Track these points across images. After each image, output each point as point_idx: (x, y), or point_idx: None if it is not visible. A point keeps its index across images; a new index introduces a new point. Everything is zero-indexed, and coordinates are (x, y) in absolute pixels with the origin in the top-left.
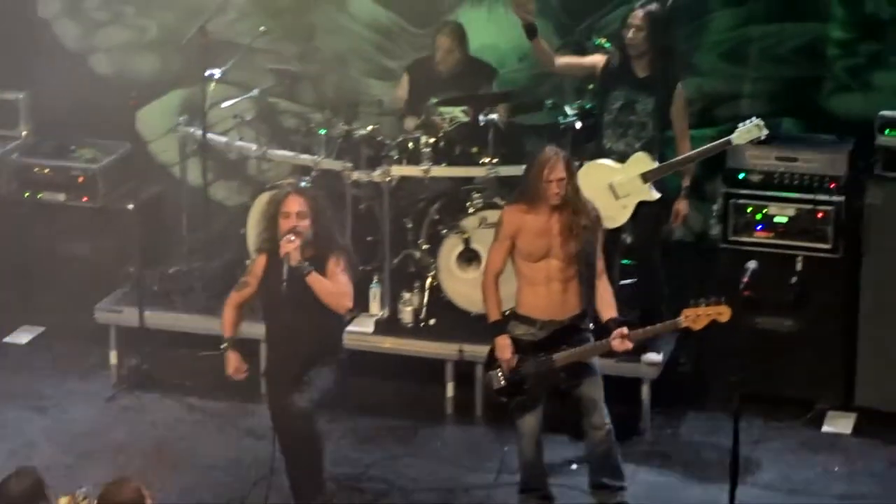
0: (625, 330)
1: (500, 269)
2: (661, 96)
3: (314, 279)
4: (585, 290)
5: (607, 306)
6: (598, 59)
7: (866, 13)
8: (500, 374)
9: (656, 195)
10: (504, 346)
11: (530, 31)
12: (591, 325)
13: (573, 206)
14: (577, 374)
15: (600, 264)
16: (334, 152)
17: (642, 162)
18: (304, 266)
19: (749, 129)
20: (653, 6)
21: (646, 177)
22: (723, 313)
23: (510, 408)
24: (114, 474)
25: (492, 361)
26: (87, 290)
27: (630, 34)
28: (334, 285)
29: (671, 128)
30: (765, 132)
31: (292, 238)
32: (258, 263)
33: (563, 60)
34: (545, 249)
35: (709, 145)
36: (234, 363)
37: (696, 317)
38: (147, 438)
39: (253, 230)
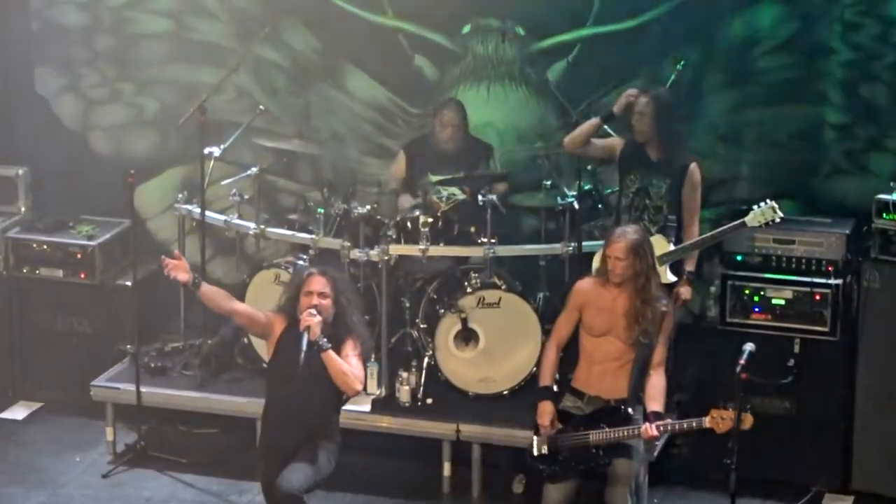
0: (659, 423)
1: (563, 337)
2: (674, 179)
3: (330, 357)
4: (636, 377)
5: (655, 399)
6: (616, 143)
7: (863, 97)
8: (542, 440)
9: (672, 278)
10: (544, 413)
11: (608, 116)
12: (630, 412)
13: (642, 293)
14: (610, 453)
15: (659, 356)
16: (332, 231)
17: (658, 245)
18: (323, 342)
19: (764, 212)
20: (654, 90)
21: (661, 259)
22: (745, 420)
23: (544, 475)
24: None
25: (538, 427)
26: (85, 366)
27: (634, 120)
28: (348, 367)
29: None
30: (780, 215)
31: (314, 313)
32: (277, 320)
33: (594, 143)
34: (607, 327)
35: (723, 228)
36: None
37: (720, 419)
38: None
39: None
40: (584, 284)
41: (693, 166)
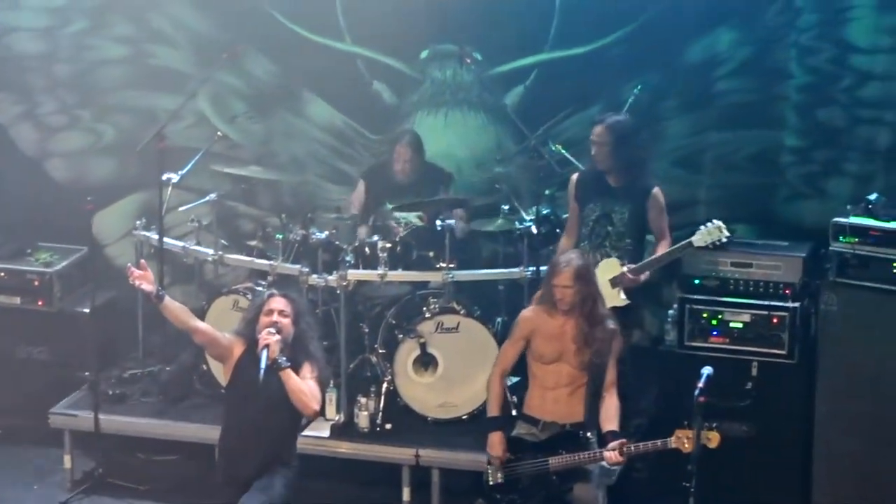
0: (622, 443)
1: (507, 367)
2: (636, 204)
3: (288, 375)
4: (591, 400)
5: (610, 419)
6: None
7: (820, 121)
8: (497, 469)
9: (624, 300)
10: (494, 444)
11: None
12: (588, 435)
13: (589, 316)
14: (570, 479)
15: (610, 377)
16: (291, 257)
17: (611, 267)
18: (283, 360)
19: (710, 231)
20: (612, 119)
21: (613, 282)
22: (712, 439)
23: None
24: None
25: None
26: (43, 393)
27: (594, 150)
28: (306, 386)
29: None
30: (726, 234)
31: (273, 331)
32: (236, 344)
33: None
34: (557, 353)
35: (670, 248)
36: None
37: (686, 439)
38: None
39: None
40: (530, 313)
41: (656, 190)
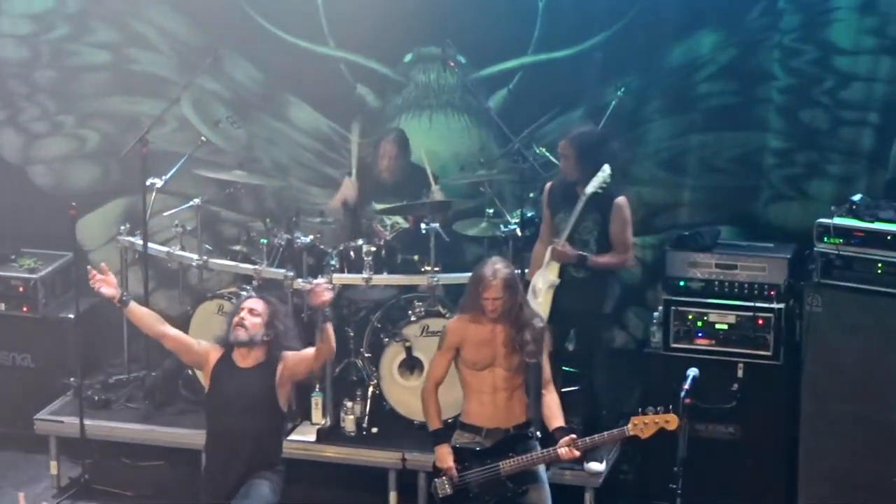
0: (572, 439)
1: (440, 378)
2: (602, 213)
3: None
4: (532, 400)
5: (554, 415)
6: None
7: (803, 123)
8: (445, 481)
9: (556, 281)
10: (444, 456)
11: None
12: (537, 434)
13: (517, 320)
14: (523, 482)
15: (546, 373)
16: (275, 261)
17: (552, 270)
18: (328, 312)
19: (598, 178)
20: (576, 131)
21: (552, 253)
22: (670, 421)
23: None
24: None
25: (438, 469)
26: (27, 399)
27: (561, 163)
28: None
29: None
30: (608, 173)
31: (238, 328)
32: (212, 351)
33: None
34: (489, 359)
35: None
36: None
37: (643, 425)
38: None
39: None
40: (457, 323)
41: (620, 200)
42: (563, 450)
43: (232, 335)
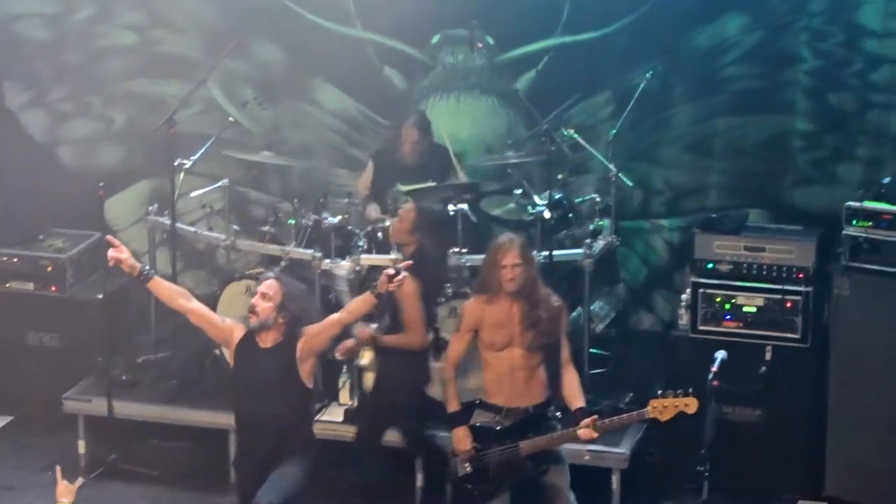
0: (593, 419)
1: (458, 359)
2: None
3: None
4: (551, 379)
5: (574, 395)
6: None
7: (831, 105)
8: (465, 461)
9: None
10: (462, 438)
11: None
12: (558, 414)
13: (532, 297)
14: (543, 461)
15: (565, 353)
16: (303, 242)
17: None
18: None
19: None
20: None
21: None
22: (690, 405)
23: (475, 495)
24: None
25: (454, 451)
26: (56, 379)
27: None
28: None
29: None
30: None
31: (249, 314)
32: (236, 329)
33: None
34: (507, 339)
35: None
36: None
37: (662, 408)
38: None
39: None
40: (473, 304)
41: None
42: (582, 430)
43: (247, 321)
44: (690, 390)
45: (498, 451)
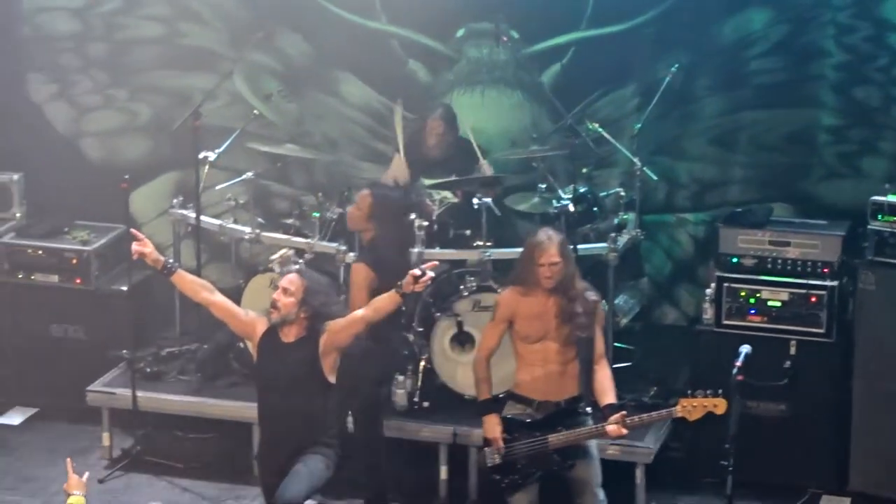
0: (622, 415)
1: (492, 349)
2: None
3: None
4: (584, 374)
5: (605, 391)
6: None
7: (857, 100)
8: (494, 451)
9: None
10: (491, 426)
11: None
12: (588, 409)
13: (569, 292)
14: (571, 456)
15: (599, 348)
16: (328, 235)
17: None
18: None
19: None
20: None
21: None
22: (718, 405)
23: (502, 487)
24: None
25: (486, 439)
26: (80, 371)
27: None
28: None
29: None
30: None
31: (271, 310)
32: (259, 323)
33: None
34: (542, 332)
35: None
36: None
37: (692, 407)
38: None
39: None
40: (509, 295)
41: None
42: (611, 427)
43: (268, 316)
44: (720, 391)
45: (527, 444)
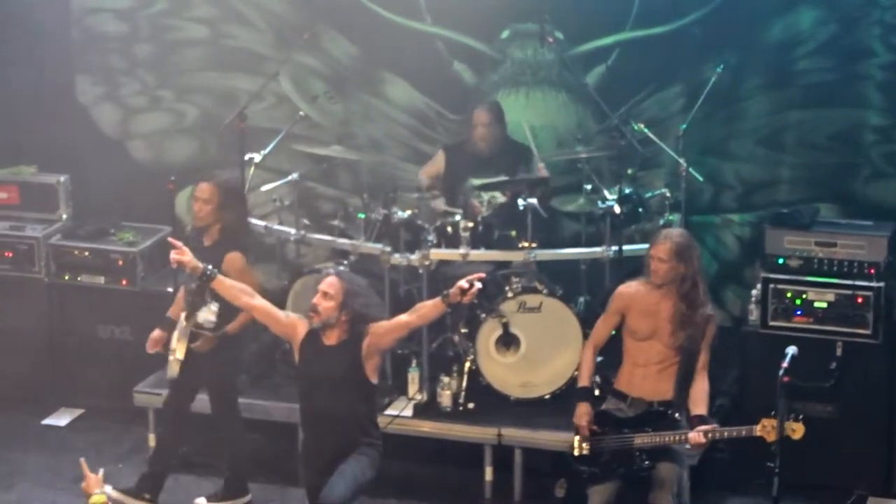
0: (710, 428)
1: (601, 340)
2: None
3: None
4: (680, 381)
5: (698, 402)
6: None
7: None
8: (582, 441)
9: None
10: (582, 414)
11: None
12: (677, 416)
13: (688, 298)
14: (653, 457)
15: (703, 360)
16: (373, 236)
17: None
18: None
19: None
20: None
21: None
22: (797, 430)
23: (584, 477)
24: None
25: (578, 428)
26: (127, 372)
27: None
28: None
29: None
30: None
31: (311, 314)
32: (300, 325)
33: None
34: (651, 331)
35: None
36: None
37: (771, 428)
38: None
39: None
40: (628, 288)
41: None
42: (693, 434)
43: (309, 320)
44: (801, 416)
45: (614, 439)
